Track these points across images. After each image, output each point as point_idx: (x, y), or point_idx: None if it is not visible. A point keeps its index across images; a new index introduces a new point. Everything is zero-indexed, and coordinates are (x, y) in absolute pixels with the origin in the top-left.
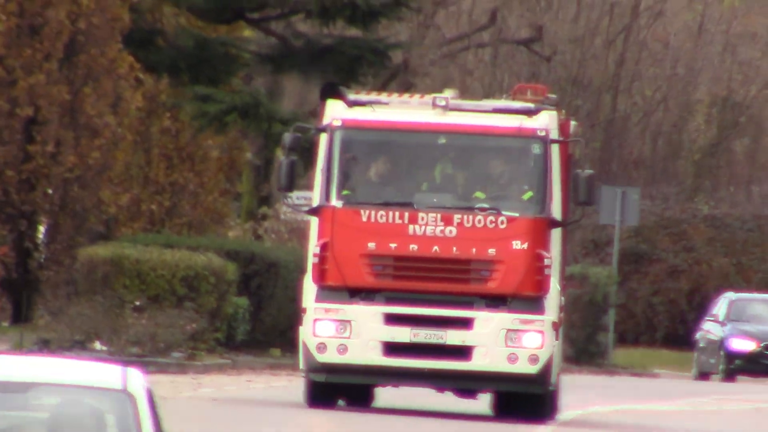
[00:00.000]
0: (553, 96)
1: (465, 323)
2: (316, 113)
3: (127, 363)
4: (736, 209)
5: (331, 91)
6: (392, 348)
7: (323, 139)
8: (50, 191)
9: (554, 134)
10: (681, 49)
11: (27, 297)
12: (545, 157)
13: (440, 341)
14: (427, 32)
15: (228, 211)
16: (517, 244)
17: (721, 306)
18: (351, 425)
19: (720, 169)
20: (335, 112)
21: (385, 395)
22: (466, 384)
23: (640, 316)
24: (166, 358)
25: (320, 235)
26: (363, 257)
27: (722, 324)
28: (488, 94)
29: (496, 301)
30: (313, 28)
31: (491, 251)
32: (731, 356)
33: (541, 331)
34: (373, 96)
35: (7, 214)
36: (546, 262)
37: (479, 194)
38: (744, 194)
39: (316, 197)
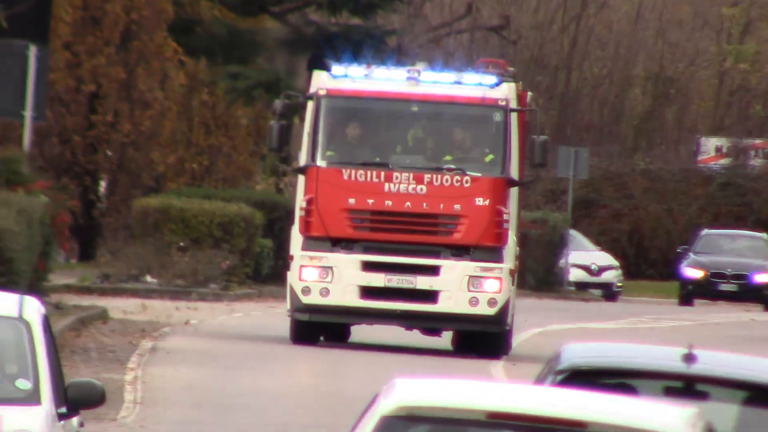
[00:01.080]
0: (512, 69)
1: (433, 270)
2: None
3: (174, 293)
4: (667, 164)
5: (318, 62)
6: (369, 291)
7: (310, 105)
8: (110, 153)
9: (513, 104)
10: (622, 33)
11: (91, 240)
12: (505, 123)
13: (411, 286)
14: (416, 21)
15: (255, 168)
16: (480, 201)
17: (696, 240)
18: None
19: (654, 131)
20: (321, 82)
21: (359, 333)
22: (433, 324)
23: None
24: (205, 288)
25: (306, 192)
26: (344, 211)
27: (688, 256)
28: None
29: (461, 251)
30: (323, 18)
31: (457, 207)
32: (684, 283)
33: (499, 278)
34: (354, 68)
35: (75, 172)
36: (505, 216)
37: (448, 157)
38: (673, 152)
39: (303, 157)
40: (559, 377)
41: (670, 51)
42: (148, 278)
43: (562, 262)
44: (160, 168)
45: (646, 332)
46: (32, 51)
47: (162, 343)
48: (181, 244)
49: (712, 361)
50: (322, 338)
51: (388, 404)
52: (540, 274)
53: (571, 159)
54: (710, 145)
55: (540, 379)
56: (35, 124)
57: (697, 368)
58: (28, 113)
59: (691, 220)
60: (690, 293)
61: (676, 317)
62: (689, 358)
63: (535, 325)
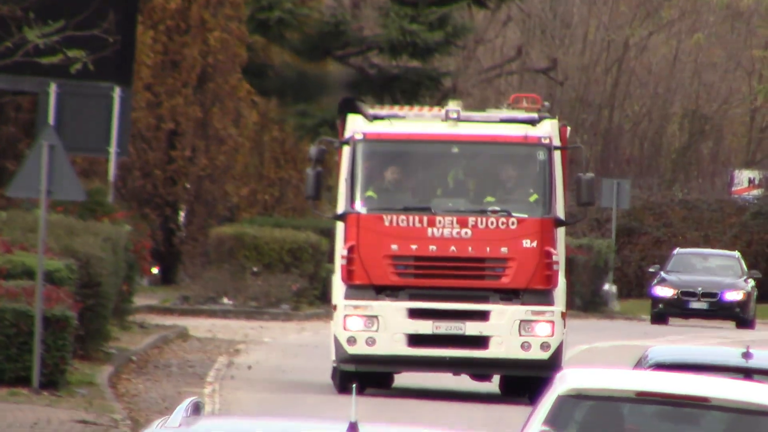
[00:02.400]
0: (547, 104)
1: (482, 315)
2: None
3: (248, 314)
4: (703, 195)
5: (348, 106)
6: (416, 339)
7: (346, 151)
8: (188, 186)
9: (556, 141)
10: (660, 74)
11: (172, 265)
12: (549, 162)
13: (460, 332)
14: (470, 63)
15: (322, 198)
16: (527, 243)
17: (668, 260)
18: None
19: (691, 165)
20: (356, 125)
21: (403, 378)
22: (484, 370)
23: (631, 276)
24: (277, 309)
25: (347, 239)
26: (387, 258)
27: (659, 275)
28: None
29: (510, 295)
30: (384, 61)
31: (504, 249)
32: (655, 301)
33: (551, 321)
34: (389, 110)
35: (156, 203)
36: (554, 258)
37: (490, 198)
38: (709, 184)
39: (341, 204)
40: (648, 371)
41: (705, 91)
42: (225, 300)
43: (606, 285)
44: (234, 199)
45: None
46: (116, 92)
47: (238, 359)
48: (255, 269)
49: (764, 357)
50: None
51: (563, 387)
52: (587, 297)
53: (614, 190)
54: (743, 177)
55: None
56: (119, 160)
57: (753, 362)
58: (112, 149)
59: (726, 247)
60: (661, 312)
61: (719, 335)
62: (747, 355)
63: (583, 342)
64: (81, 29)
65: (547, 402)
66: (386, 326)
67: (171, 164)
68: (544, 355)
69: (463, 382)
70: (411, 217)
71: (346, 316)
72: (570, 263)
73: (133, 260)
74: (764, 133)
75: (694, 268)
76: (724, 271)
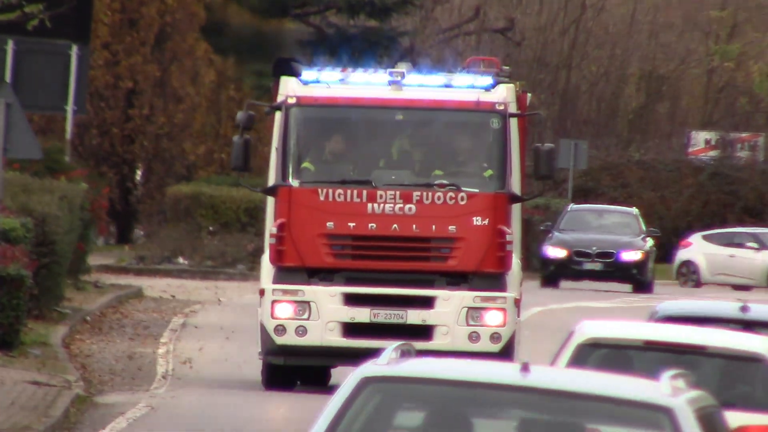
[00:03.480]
0: (507, 68)
1: (425, 302)
2: None
3: (204, 273)
4: (660, 156)
5: (284, 67)
6: (352, 329)
7: (278, 117)
8: (145, 143)
9: (513, 107)
10: (617, 35)
11: (128, 224)
12: (504, 131)
13: (401, 321)
14: (428, 23)
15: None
16: (478, 221)
17: (561, 216)
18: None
19: (648, 125)
20: (289, 88)
21: (341, 375)
22: None
23: None
24: (233, 269)
25: (277, 215)
26: (321, 237)
27: (552, 234)
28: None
29: (457, 279)
30: (342, 21)
31: (451, 228)
32: (546, 263)
33: (503, 309)
34: (327, 72)
35: (113, 162)
36: (508, 238)
37: (438, 171)
38: (666, 145)
39: (271, 177)
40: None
41: (662, 51)
42: (180, 260)
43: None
44: (191, 158)
45: (640, 311)
46: (74, 50)
47: (192, 320)
48: (211, 228)
49: (760, 310)
50: (298, 382)
51: (581, 337)
52: (540, 254)
53: (571, 151)
54: (700, 138)
55: None
56: (77, 117)
57: (750, 315)
58: (70, 107)
59: (682, 207)
60: (553, 274)
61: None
62: (744, 309)
63: (539, 304)
64: (50, 9)
65: (567, 351)
66: (319, 314)
67: (129, 123)
68: (494, 348)
69: None
70: (349, 192)
71: (274, 302)
72: (526, 223)
73: (89, 219)
74: (721, 94)
75: (588, 225)
76: (620, 228)
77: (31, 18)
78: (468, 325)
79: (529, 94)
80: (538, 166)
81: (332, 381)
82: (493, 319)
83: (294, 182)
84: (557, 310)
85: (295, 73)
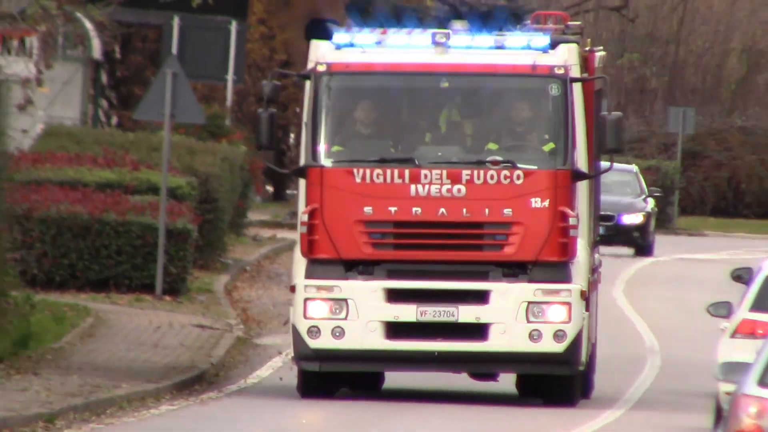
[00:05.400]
0: (577, 23)
1: (479, 297)
2: None
3: None
4: (760, 122)
5: (318, 30)
6: (396, 329)
7: (308, 86)
8: (297, 110)
9: (576, 71)
10: (721, 13)
11: (282, 183)
12: (565, 98)
13: (451, 319)
14: (551, 2)
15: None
16: (537, 202)
17: None
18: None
19: (749, 94)
20: (320, 54)
21: (395, 377)
22: (483, 367)
23: (695, 194)
24: None
25: (309, 201)
26: (358, 224)
27: None
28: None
29: (515, 270)
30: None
31: (507, 212)
32: None
33: (567, 303)
34: (363, 34)
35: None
36: (571, 221)
37: (492, 145)
38: (765, 112)
39: (302, 156)
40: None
41: (761, 28)
42: None
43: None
44: None
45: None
46: (233, 25)
47: None
48: None
49: None
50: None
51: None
52: (654, 214)
53: (680, 118)
54: None
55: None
56: (236, 86)
57: None
58: (230, 77)
59: None
60: None
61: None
62: None
63: (648, 256)
64: None
65: (755, 286)
66: (358, 312)
67: (283, 91)
68: (559, 347)
69: (468, 380)
70: (389, 172)
71: (306, 299)
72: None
73: (247, 178)
74: None
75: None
76: (620, 188)
77: None
78: (528, 322)
79: (598, 54)
80: (604, 138)
81: (386, 385)
82: (556, 314)
83: (326, 162)
84: (666, 262)
85: (329, 37)
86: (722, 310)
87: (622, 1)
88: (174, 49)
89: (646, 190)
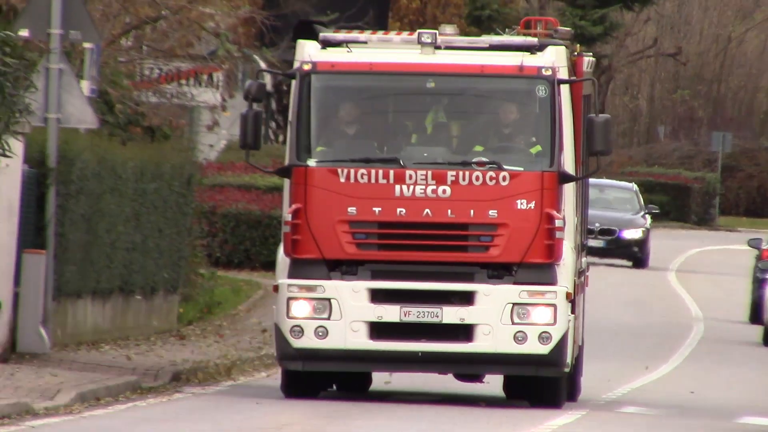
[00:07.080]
0: (566, 29)
1: (464, 298)
2: None
3: None
4: None
5: (305, 30)
6: (380, 329)
7: (293, 85)
8: None
9: (563, 73)
10: (753, 58)
11: None
12: (552, 99)
13: (435, 320)
14: (620, 50)
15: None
16: (523, 204)
17: None
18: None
19: None
20: (305, 54)
21: (381, 379)
22: (467, 369)
23: (732, 199)
24: None
25: (293, 200)
26: (342, 224)
27: None
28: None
29: (500, 272)
30: None
31: (492, 213)
32: None
33: (552, 305)
34: (350, 34)
35: None
36: (557, 224)
37: (478, 147)
38: None
39: (287, 155)
40: None
41: None
42: None
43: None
44: None
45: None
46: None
47: None
48: None
49: None
50: (334, 386)
51: None
52: (700, 215)
53: (721, 140)
54: None
55: None
56: None
57: None
58: None
59: None
60: None
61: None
62: None
63: (697, 246)
64: (349, 21)
65: None
66: (341, 312)
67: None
68: (544, 349)
69: (456, 382)
70: (374, 172)
71: (290, 299)
72: (688, 190)
73: None
74: None
75: (590, 201)
76: (621, 204)
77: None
78: (513, 323)
79: (587, 58)
80: (592, 140)
81: (373, 386)
82: (541, 316)
83: (311, 162)
84: (710, 252)
85: (316, 37)
86: (755, 242)
87: (676, 49)
88: None
89: (644, 206)
